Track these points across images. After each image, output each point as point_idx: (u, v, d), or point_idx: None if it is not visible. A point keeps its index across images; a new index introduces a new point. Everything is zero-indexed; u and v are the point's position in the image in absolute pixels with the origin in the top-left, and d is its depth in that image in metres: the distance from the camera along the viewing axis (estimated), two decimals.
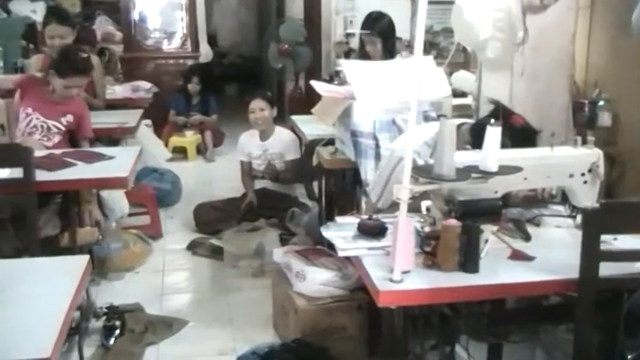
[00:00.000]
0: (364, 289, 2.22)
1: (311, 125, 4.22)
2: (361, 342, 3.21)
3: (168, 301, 3.97)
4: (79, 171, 3.18)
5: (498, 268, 2.13)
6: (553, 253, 2.24)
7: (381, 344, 2.86)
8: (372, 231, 2.28)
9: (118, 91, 5.37)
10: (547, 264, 2.14)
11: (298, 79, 6.90)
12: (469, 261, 2.06)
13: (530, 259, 2.18)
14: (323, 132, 3.92)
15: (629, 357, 1.98)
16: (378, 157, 3.27)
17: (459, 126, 2.60)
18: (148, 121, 6.48)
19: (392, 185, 2.69)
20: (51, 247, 3.32)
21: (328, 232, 2.34)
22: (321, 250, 3.44)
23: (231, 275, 4.29)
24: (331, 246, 2.44)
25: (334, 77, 4.46)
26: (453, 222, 2.06)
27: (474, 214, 2.10)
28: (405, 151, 1.96)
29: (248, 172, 5.18)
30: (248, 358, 3.06)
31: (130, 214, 4.76)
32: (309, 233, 4.52)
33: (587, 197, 2.34)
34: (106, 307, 3.57)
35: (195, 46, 8.35)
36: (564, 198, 2.50)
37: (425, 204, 2.31)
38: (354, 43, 5.76)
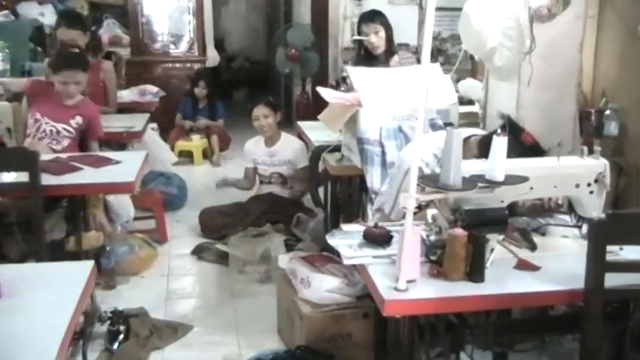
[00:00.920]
0: (370, 297, 2.22)
1: (317, 131, 4.22)
2: (367, 350, 3.18)
3: (174, 306, 3.96)
4: (86, 175, 3.18)
5: (504, 277, 2.12)
6: (559, 262, 2.24)
7: (387, 352, 2.85)
8: (378, 239, 2.28)
9: (125, 95, 5.37)
10: (553, 274, 2.14)
11: (305, 84, 6.90)
12: (475, 270, 2.06)
13: (536, 268, 2.17)
14: (329, 138, 3.92)
15: None
16: (384, 164, 3.27)
17: (468, 138, 2.60)
18: (155, 125, 6.48)
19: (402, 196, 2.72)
20: (57, 251, 3.32)
21: (334, 240, 2.34)
22: (327, 256, 3.43)
23: (236, 281, 4.28)
24: (337, 252, 2.44)
25: (340, 83, 4.45)
26: (459, 231, 2.06)
27: (481, 224, 2.10)
28: (412, 160, 1.96)
29: (252, 177, 5.21)
30: None
31: (136, 218, 4.77)
32: (315, 239, 4.51)
33: (594, 207, 2.34)
34: (111, 312, 3.55)
35: (203, 50, 8.35)
36: (570, 207, 2.50)
37: (431, 213, 2.31)
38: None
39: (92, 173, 3.22)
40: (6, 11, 6.63)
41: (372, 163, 3.29)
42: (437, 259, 2.15)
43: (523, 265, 2.19)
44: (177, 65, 8.26)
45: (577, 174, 2.30)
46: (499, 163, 2.09)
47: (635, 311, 2.13)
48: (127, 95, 5.43)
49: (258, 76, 10.72)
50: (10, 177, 3.04)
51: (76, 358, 3.29)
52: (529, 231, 2.42)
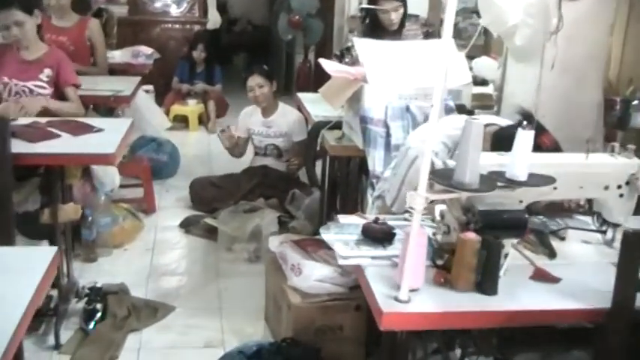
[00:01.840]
0: None
1: (318, 105, 3.92)
2: (358, 344, 2.99)
3: (156, 283, 3.75)
4: (63, 144, 2.90)
5: (519, 289, 1.89)
6: (580, 273, 2.00)
7: (380, 346, 2.64)
8: (378, 236, 2.04)
9: (116, 55, 5.07)
10: (574, 287, 1.90)
11: (308, 52, 6.60)
12: (487, 281, 1.82)
13: (555, 280, 1.93)
14: (330, 114, 3.64)
15: None
16: (388, 146, 3.01)
17: (485, 126, 2.33)
18: (150, 87, 6.21)
19: (407, 188, 2.47)
20: (30, 224, 3.08)
21: (328, 235, 2.10)
22: (320, 241, 3.16)
23: (224, 259, 4.07)
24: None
25: (345, 54, 4.17)
26: (471, 235, 1.81)
27: (496, 227, 1.85)
28: (421, 150, 1.71)
29: (243, 145, 5.01)
30: (234, 358, 2.83)
31: (123, 186, 4.53)
32: (309, 217, 4.30)
33: (622, 212, 2.10)
34: (89, 288, 3.34)
35: (204, 11, 8.04)
36: (592, 208, 2.26)
37: (439, 209, 2.06)
38: None
39: (70, 141, 2.95)
40: None
41: (375, 145, 3.02)
42: (444, 263, 1.91)
43: (541, 276, 1.95)
44: (177, 26, 7.95)
45: (606, 174, 2.06)
46: (522, 160, 1.84)
47: None
48: (118, 56, 5.12)
49: (260, 42, 10.39)
50: None
51: (48, 336, 3.11)
52: (547, 234, 2.18)
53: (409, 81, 3.01)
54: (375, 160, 3.02)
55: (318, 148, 3.93)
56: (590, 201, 2.29)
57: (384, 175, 2.81)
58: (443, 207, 2.03)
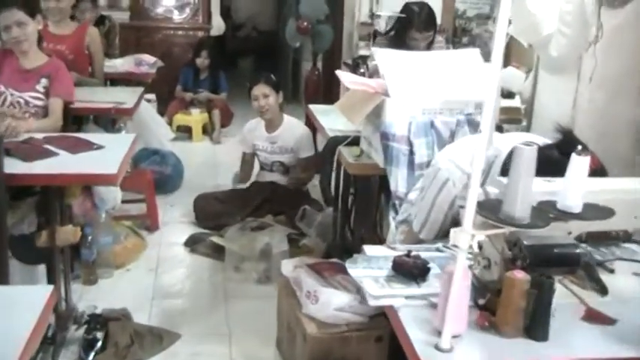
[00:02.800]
0: (385, 316, 1.79)
1: (331, 118, 3.70)
2: None
3: (160, 307, 3.55)
4: (61, 163, 2.69)
5: (570, 333, 1.68)
6: (637, 312, 1.78)
7: None
8: (412, 272, 1.83)
9: (118, 64, 4.87)
10: (631, 330, 1.68)
11: (316, 60, 6.38)
12: (538, 325, 1.61)
13: (611, 322, 1.72)
14: (346, 127, 3.42)
15: None
16: (411, 165, 2.79)
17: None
18: (152, 96, 6.01)
19: (437, 213, 2.26)
20: (26, 248, 2.87)
21: (356, 270, 1.88)
22: (336, 265, 2.98)
23: (232, 279, 3.86)
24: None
25: (360, 64, 3.95)
26: (520, 275, 1.60)
27: (546, 264, 1.64)
28: (453, 172, 1.50)
29: (249, 166, 4.80)
30: None
31: (124, 201, 4.29)
32: (321, 235, 4.08)
33: None
34: (88, 315, 3.14)
35: (208, 17, 7.86)
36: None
37: (477, 238, 1.85)
38: (380, 26, 5.24)
39: (69, 160, 2.73)
40: None
41: (398, 164, 2.80)
42: (486, 304, 1.70)
43: (593, 317, 1.73)
44: (180, 33, 7.76)
45: None
46: (577, 189, 1.63)
47: None
48: (120, 65, 4.92)
49: (265, 48, 10.20)
50: None
51: None
52: (595, 267, 1.96)
53: (434, 94, 2.80)
54: (398, 180, 2.80)
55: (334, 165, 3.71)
56: None
57: (408, 197, 2.60)
58: (481, 237, 1.83)
